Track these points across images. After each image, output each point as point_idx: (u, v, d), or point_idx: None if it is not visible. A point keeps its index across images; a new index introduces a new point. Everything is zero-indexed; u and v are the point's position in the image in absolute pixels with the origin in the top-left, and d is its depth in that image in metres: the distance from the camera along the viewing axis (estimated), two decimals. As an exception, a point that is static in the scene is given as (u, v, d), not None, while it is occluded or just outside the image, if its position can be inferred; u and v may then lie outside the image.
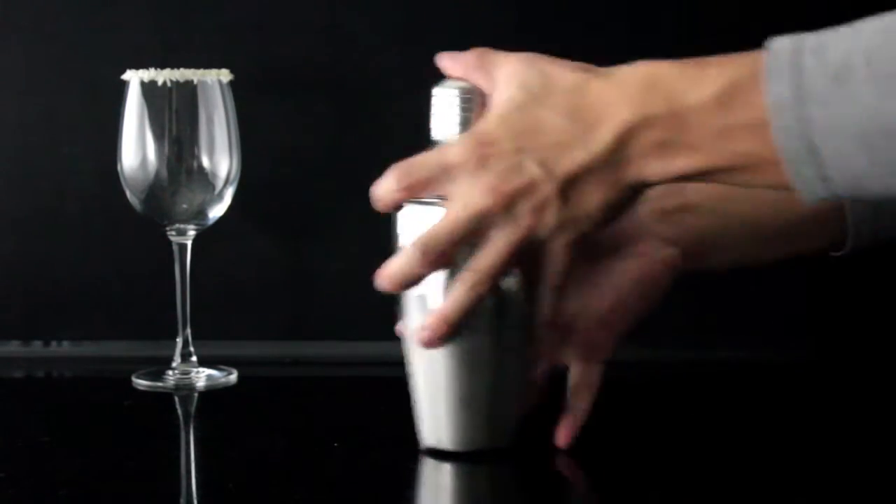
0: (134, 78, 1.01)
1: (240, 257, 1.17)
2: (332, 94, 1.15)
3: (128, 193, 1.03)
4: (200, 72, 1.00)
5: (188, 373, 1.04)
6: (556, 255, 0.69)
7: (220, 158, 1.01)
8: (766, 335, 1.16)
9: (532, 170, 0.65)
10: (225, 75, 1.02)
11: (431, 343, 0.72)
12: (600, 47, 1.14)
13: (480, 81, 0.72)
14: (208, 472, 0.82)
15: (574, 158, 0.65)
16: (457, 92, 0.75)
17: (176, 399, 1.00)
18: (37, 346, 1.17)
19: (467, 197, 0.67)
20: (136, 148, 1.01)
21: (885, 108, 0.54)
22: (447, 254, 0.70)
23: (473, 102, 0.75)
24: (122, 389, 1.02)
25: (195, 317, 1.04)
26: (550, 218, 0.67)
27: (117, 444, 0.87)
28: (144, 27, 1.15)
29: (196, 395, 1.02)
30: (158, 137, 1.00)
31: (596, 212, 0.66)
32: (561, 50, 1.15)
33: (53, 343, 1.17)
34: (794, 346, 1.14)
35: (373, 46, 1.15)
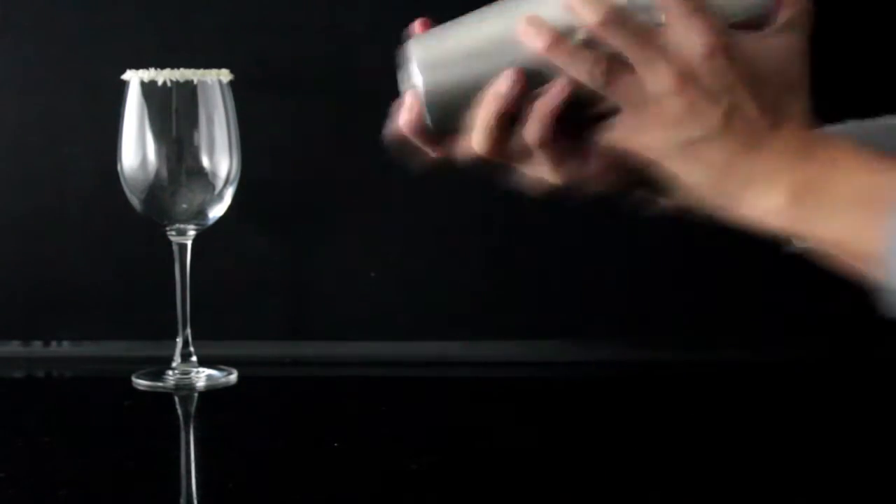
0: (134, 78, 1.01)
1: (240, 257, 1.17)
2: (332, 94, 1.15)
3: (128, 193, 1.03)
4: (200, 72, 1.00)
5: (188, 373, 1.04)
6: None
7: (220, 158, 1.01)
8: (766, 335, 1.16)
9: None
10: (225, 75, 1.02)
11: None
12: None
13: (782, 13, 0.67)
14: (208, 472, 0.82)
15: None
16: None
17: (176, 399, 1.00)
18: (37, 346, 1.17)
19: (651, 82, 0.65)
20: (136, 148, 1.01)
21: None
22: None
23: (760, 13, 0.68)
24: (122, 389, 1.02)
25: (195, 317, 1.04)
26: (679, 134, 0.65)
27: (117, 444, 0.87)
28: (144, 27, 1.15)
29: (196, 395, 1.02)
30: (158, 137, 1.00)
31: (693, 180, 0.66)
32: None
33: (53, 343, 1.17)
34: (794, 346, 1.14)
35: (373, 46, 1.15)
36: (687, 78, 0.64)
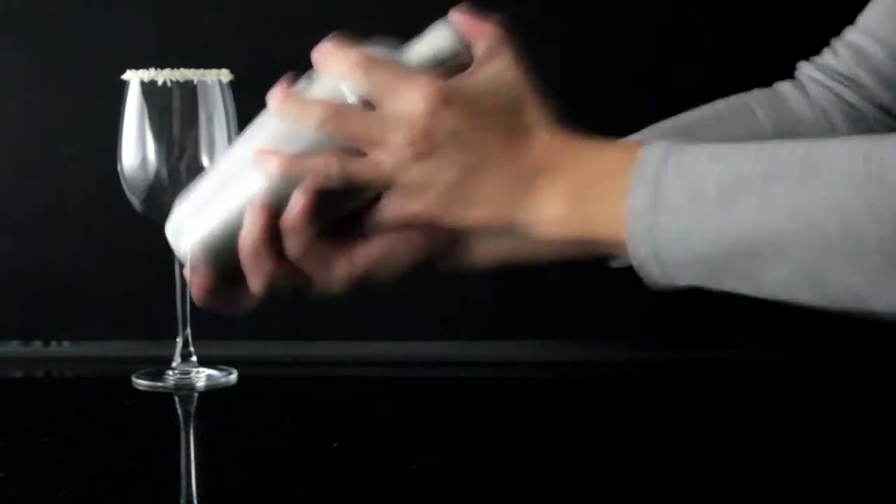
0: (134, 78, 1.01)
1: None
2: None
3: (128, 193, 1.03)
4: (200, 72, 1.00)
5: (188, 373, 1.04)
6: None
7: (220, 158, 1.01)
8: (766, 335, 1.16)
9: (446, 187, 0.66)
10: (225, 75, 1.02)
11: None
12: (601, 47, 1.15)
13: (478, 47, 0.70)
14: (208, 472, 0.82)
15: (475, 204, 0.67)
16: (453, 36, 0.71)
17: (176, 399, 1.00)
18: (37, 346, 1.17)
19: (392, 169, 0.66)
20: (136, 148, 1.01)
21: (725, 231, 0.60)
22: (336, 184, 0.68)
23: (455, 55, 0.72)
24: (122, 389, 1.02)
25: (195, 317, 1.04)
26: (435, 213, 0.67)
27: (117, 444, 0.87)
28: (144, 27, 1.15)
29: (196, 395, 1.02)
30: (158, 137, 1.00)
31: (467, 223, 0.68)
32: (562, 49, 1.15)
33: (53, 343, 1.17)
34: (794, 346, 1.14)
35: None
36: (417, 140, 0.65)
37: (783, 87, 0.86)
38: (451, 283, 1.17)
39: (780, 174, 0.59)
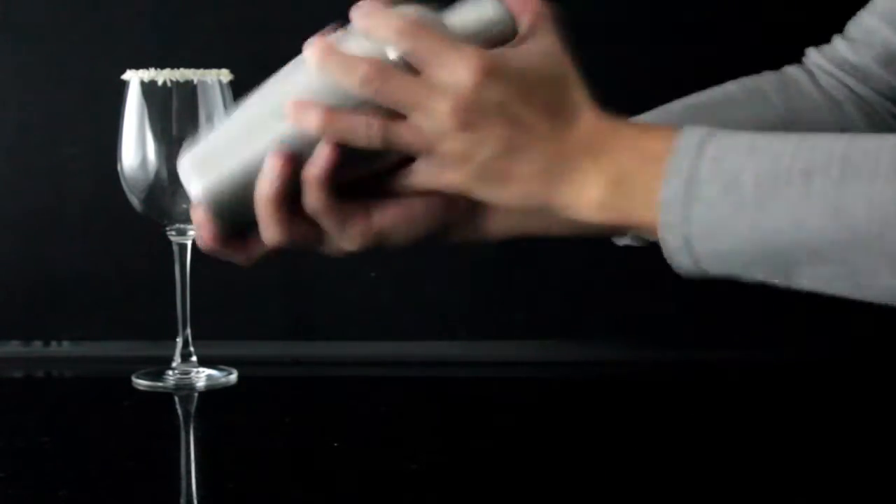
0: (134, 78, 1.01)
1: (240, 257, 1.16)
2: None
3: (128, 193, 1.03)
4: (200, 72, 1.00)
5: (188, 373, 1.04)
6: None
7: (220, 158, 1.01)
8: (766, 335, 1.16)
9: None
10: (225, 75, 1.02)
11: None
12: (604, 48, 1.14)
13: (522, 20, 0.68)
14: (208, 472, 0.82)
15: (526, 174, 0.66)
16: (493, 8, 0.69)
17: (176, 399, 1.00)
18: (37, 346, 1.17)
19: (433, 139, 0.65)
20: (136, 148, 1.01)
21: (761, 226, 0.60)
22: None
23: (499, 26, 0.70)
24: (122, 389, 1.02)
25: (195, 317, 1.04)
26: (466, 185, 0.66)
27: (117, 444, 0.87)
28: (144, 27, 1.15)
29: (196, 395, 1.02)
30: (158, 137, 1.00)
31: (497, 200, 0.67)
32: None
33: (53, 343, 1.17)
34: (795, 346, 1.14)
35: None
36: (461, 110, 0.64)
37: (793, 71, 0.85)
38: (451, 283, 1.18)
39: (819, 171, 0.58)
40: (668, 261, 0.63)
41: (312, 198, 0.67)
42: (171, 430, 0.93)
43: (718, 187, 0.60)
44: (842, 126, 0.82)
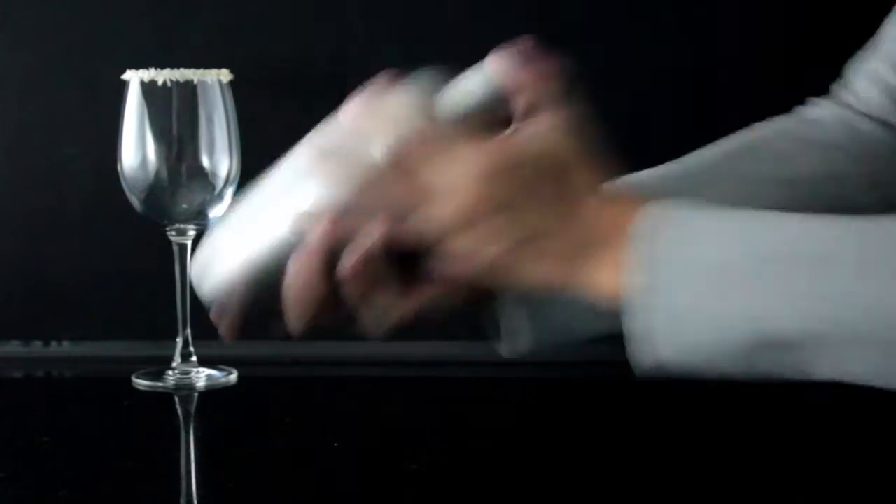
0: (134, 78, 1.01)
1: (240, 257, 1.16)
2: (332, 94, 1.15)
3: (128, 193, 1.03)
4: (200, 72, 1.00)
5: (188, 373, 1.04)
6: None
7: (220, 158, 1.01)
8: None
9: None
10: (225, 75, 1.02)
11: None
12: (603, 47, 1.14)
13: (519, 99, 0.67)
14: (208, 472, 0.82)
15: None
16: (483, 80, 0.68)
17: (176, 399, 1.00)
18: (37, 346, 1.17)
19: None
20: (136, 148, 1.01)
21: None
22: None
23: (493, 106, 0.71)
24: (122, 389, 1.02)
25: (195, 317, 1.04)
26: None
27: (117, 444, 0.87)
28: (144, 27, 1.15)
29: (196, 395, 1.02)
30: (158, 137, 1.00)
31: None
32: (562, 48, 1.15)
33: (53, 343, 1.17)
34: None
35: (373, 46, 1.15)
36: (462, 212, 0.63)
37: (816, 117, 0.80)
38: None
39: (835, 257, 0.57)
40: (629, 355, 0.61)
41: (350, 292, 0.66)
42: (171, 430, 0.93)
43: (685, 271, 0.59)
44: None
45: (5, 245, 1.17)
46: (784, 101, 0.81)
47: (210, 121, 1.00)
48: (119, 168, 1.02)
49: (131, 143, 1.01)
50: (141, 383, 1.03)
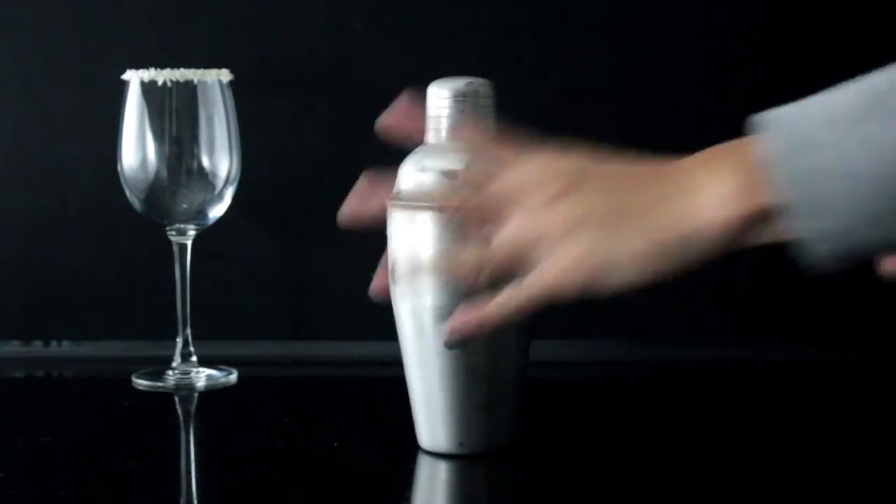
0: (134, 78, 1.01)
1: (240, 257, 1.16)
2: (332, 94, 1.15)
3: (128, 193, 1.03)
4: (200, 72, 1.00)
5: (188, 373, 1.04)
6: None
7: (220, 158, 1.01)
8: (766, 335, 1.16)
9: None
10: (225, 75, 1.02)
11: (459, 343, 0.74)
12: (602, 47, 1.15)
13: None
14: (208, 472, 0.82)
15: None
16: (448, 92, 0.76)
17: (176, 399, 1.00)
18: (37, 346, 1.17)
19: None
20: (136, 148, 1.01)
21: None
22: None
23: (471, 104, 0.75)
24: (122, 389, 1.02)
25: (195, 317, 1.04)
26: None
27: (117, 444, 0.87)
28: (144, 27, 1.15)
29: (196, 395, 1.02)
30: (158, 137, 1.00)
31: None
32: (561, 48, 1.15)
33: (53, 343, 1.17)
34: (795, 346, 1.14)
35: (373, 46, 1.15)
36: (550, 183, 0.67)
37: None
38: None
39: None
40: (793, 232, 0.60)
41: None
42: (171, 430, 0.93)
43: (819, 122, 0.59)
44: None
45: (5, 245, 1.17)
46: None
47: (210, 121, 1.01)
48: (119, 168, 1.02)
49: (131, 143, 1.01)
50: (141, 383, 1.03)
